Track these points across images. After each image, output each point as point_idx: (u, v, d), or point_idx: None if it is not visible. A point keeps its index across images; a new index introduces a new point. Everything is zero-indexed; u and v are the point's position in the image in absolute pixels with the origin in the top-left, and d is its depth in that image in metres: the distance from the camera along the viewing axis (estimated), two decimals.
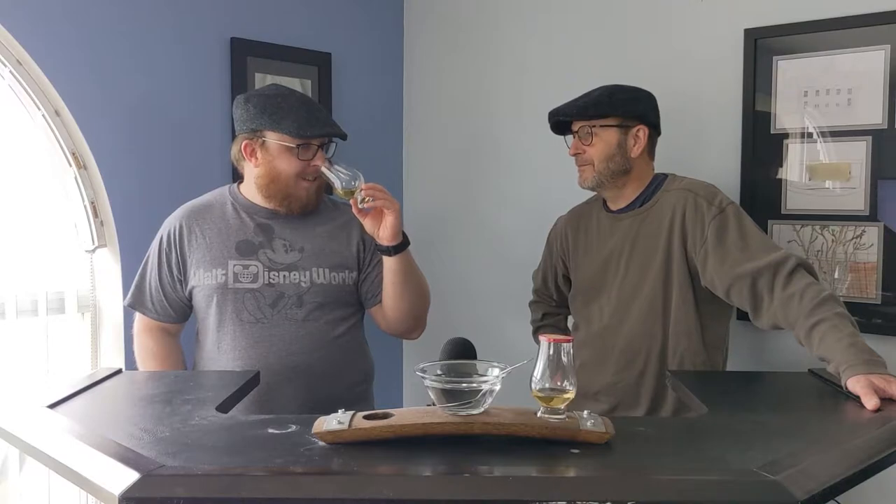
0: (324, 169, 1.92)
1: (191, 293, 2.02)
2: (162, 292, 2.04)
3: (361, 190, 1.86)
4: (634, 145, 2.07)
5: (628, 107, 2.07)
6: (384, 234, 1.90)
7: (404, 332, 2.11)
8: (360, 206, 1.88)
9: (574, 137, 2.11)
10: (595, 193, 2.22)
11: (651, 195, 2.10)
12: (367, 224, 1.90)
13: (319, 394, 1.95)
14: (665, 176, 2.13)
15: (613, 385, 2.10)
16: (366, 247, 2.05)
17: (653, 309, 2.04)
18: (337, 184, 1.89)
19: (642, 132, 2.07)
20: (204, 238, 2.01)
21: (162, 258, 2.03)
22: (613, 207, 2.16)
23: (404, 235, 1.94)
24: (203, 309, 2.02)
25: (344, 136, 1.99)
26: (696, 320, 2.03)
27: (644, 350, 2.06)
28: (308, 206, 2.01)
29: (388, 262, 1.95)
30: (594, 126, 2.06)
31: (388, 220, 1.88)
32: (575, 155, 2.11)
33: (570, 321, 2.31)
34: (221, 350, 1.99)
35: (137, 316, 2.10)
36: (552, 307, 2.40)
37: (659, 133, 2.15)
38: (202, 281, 1.99)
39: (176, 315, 2.07)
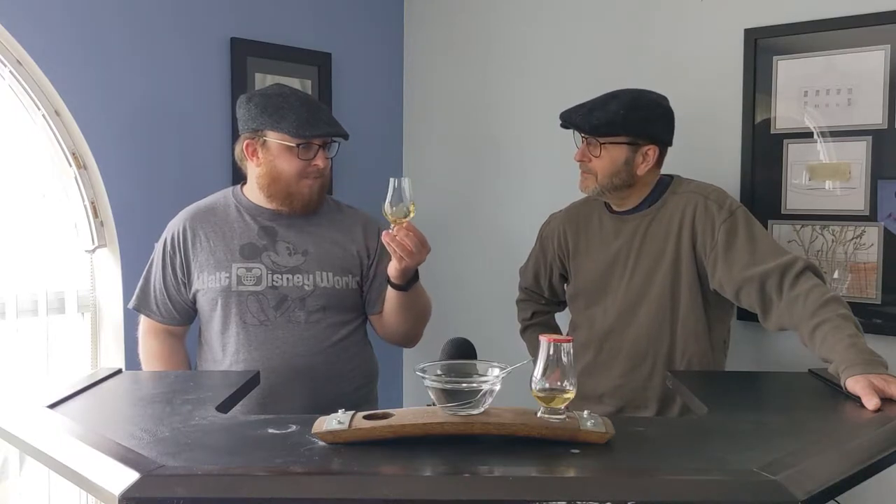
0: (393, 180, 1.75)
1: (195, 296, 2.02)
2: (166, 295, 2.04)
3: (399, 226, 1.76)
4: (642, 163, 2.04)
5: (641, 128, 2.02)
6: (390, 270, 1.91)
7: (398, 344, 2.17)
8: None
9: (582, 141, 2.08)
10: None
11: (657, 197, 2.09)
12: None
13: (323, 395, 1.95)
14: (670, 178, 2.13)
15: (620, 387, 2.09)
16: (369, 254, 2.05)
17: (661, 311, 2.04)
18: (386, 200, 1.74)
19: (652, 151, 2.04)
20: (208, 241, 2.01)
21: (166, 261, 2.03)
22: (617, 209, 2.15)
23: (416, 275, 1.93)
24: (207, 312, 2.02)
25: (346, 136, 1.99)
26: (704, 322, 2.04)
27: (651, 352, 2.06)
28: (310, 204, 2.01)
29: (391, 292, 1.96)
30: (603, 142, 2.02)
31: (398, 265, 1.85)
32: (579, 161, 2.09)
33: (568, 321, 2.30)
34: (226, 352, 1.99)
35: (142, 318, 2.10)
36: (541, 305, 2.39)
37: (670, 145, 2.11)
38: (206, 284, 1.99)
39: (180, 318, 2.07)
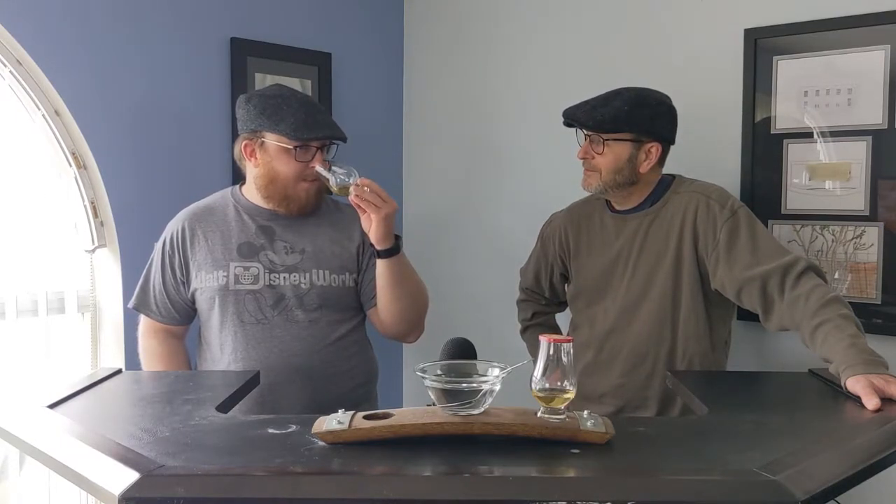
0: (319, 168, 1.92)
1: (193, 295, 2.03)
2: (166, 294, 2.04)
3: (355, 186, 1.85)
4: (645, 160, 2.03)
5: (645, 125, 2.02)
6: (371, 235, 1.89)
7: (399, 336, 2.09)
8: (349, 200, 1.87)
9: (585, 139, 2.08)
10: None
11: (659, 197, 2.09)
12: (363, 222, 1.89)
13: (322, 395, 1.95)
14: (672, 177, 2.12)
15: (620, 387, 2.09)
16: (365, 248, 2.05)
17: (662, 311, 2.04)
18: (332, 180, 1.89)
19: (655, 149, 2.03)
20: (206, 240, 2.01)
21: (165, 261, 2.03)
22: (619, 208, 2.15)
23: (397, 239, 1.93)
24: (205, 311, 2.02)
25: (344, 139, 1.99)
26: (705, 322, 2.04)
27: (652, 352, 2.06)
28: (306, 207, 2.01)
29: (380, 265, 1.94)
30: (607, 139, 2.03)
31: (374, 222, 1.86)
32: (583, 158, 2.09)
33: (569, 321, 2.30)
34: (224, 351, 2.00)
35: (142, 318, 2.10)
36: (542, 305, 2.38)
37: (673, 143, 2.11)
38: (204, 283, 2.00)
39: (180, 317, 2.07)
